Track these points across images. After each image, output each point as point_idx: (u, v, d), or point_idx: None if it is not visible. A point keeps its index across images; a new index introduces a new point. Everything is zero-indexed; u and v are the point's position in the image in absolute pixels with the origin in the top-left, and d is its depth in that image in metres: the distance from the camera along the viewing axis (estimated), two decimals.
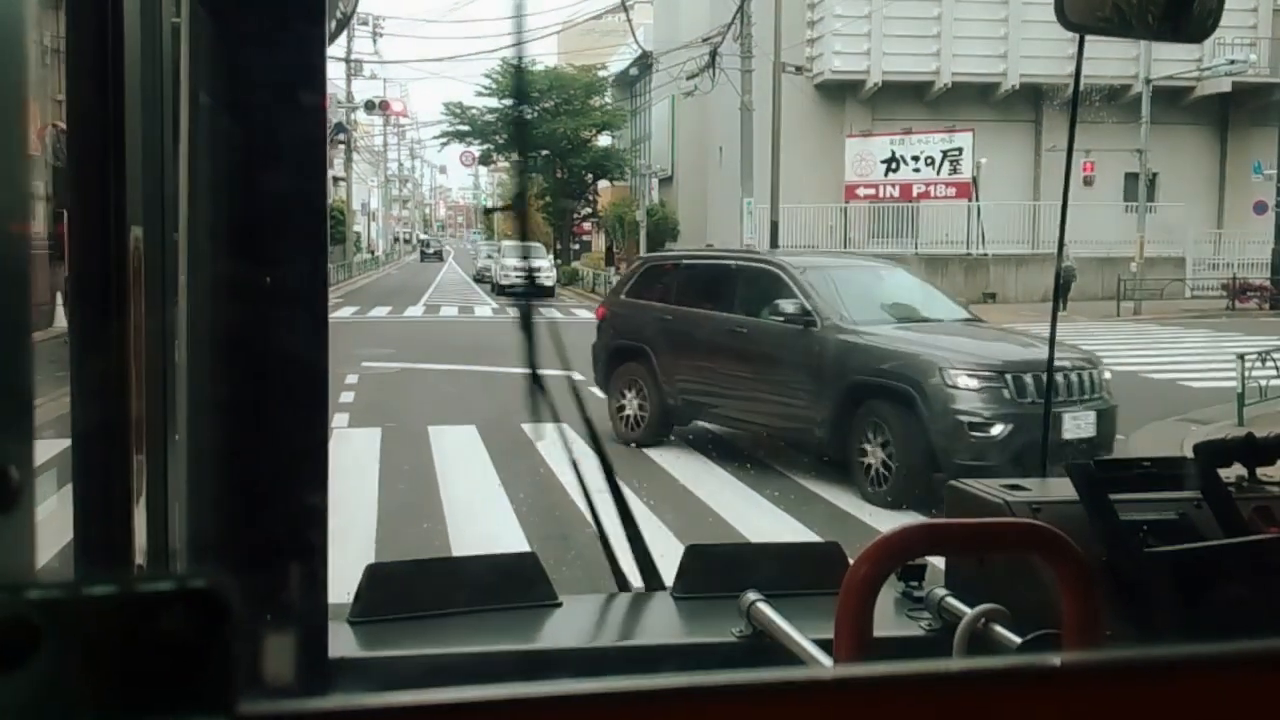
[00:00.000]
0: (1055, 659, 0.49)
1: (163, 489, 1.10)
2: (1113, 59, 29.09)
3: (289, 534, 1.35)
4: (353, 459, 10.06)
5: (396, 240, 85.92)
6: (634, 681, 0.45)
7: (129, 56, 0.96)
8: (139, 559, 0.98)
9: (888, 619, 1.80)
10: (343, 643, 1.64)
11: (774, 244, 29.97)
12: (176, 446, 1.13)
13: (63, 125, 1.02)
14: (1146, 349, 18.73)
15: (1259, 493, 1.93)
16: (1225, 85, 32.94)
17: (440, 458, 10.59)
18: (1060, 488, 1.82)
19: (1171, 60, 30.17)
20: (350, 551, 6.56)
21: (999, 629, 1.51)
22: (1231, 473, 1.96)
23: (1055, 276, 3.17)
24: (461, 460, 10.48)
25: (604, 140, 52.10)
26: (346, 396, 13.79)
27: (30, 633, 0.43)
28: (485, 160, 59.16)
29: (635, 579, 2.16)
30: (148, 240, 1.03)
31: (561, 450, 2.37)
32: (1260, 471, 1.98)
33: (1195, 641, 0.49)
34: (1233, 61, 29.79)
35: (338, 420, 12.03)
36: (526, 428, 12.11)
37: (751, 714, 0.46)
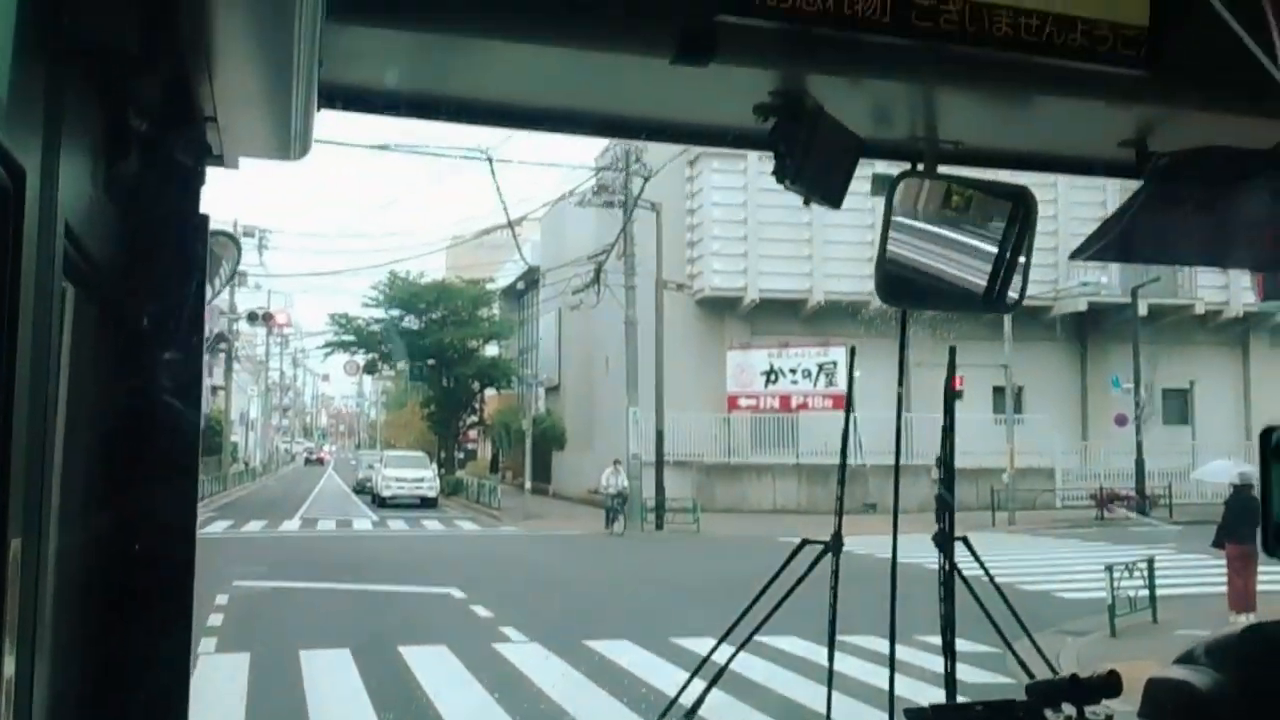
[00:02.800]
0: None
1: None
2: None
3: None
4: (219, 690, 9.49)
5: (277, 450, 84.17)
6: None
7: (20, 345, 0.98)
8: None
9: None
10: None
11: (659, 453, 30.23)
12: (41, 685, 1.14)
13: None
14: (1022, 559, 19.12)
15: None
16: (1081, 305, 35.10)
17: (312, 687, 10.06)
18: None
19: (1030, 281, 32.10)
20: None
21: None
22: (1063, 712, 2.08)
23: (894, 486, 3.37)
24: (335, 689, 9.98)
25: (491, 350, 52.65)
26: (215, 619, 13.15)
27: None
28: (370, 369, 59.07)
29: None
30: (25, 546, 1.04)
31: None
32: (1089, 709, 2.10)
33: None
34: (1085, 284, 31.88)
35: (205, 645, 11.42)
36: (404, 650, 11.68)
37: None
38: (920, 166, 2.13)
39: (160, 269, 1.47)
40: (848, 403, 2.99)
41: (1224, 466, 19.71)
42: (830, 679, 2.50)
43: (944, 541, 2.49)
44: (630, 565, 22.01)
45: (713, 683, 2.33)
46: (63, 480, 1.23)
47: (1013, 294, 2.16)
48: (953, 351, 2.97)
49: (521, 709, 9.15)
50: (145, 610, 1.38)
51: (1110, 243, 2.53)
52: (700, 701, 2.31)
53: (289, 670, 10.69)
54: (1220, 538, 13.88)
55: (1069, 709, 2.08)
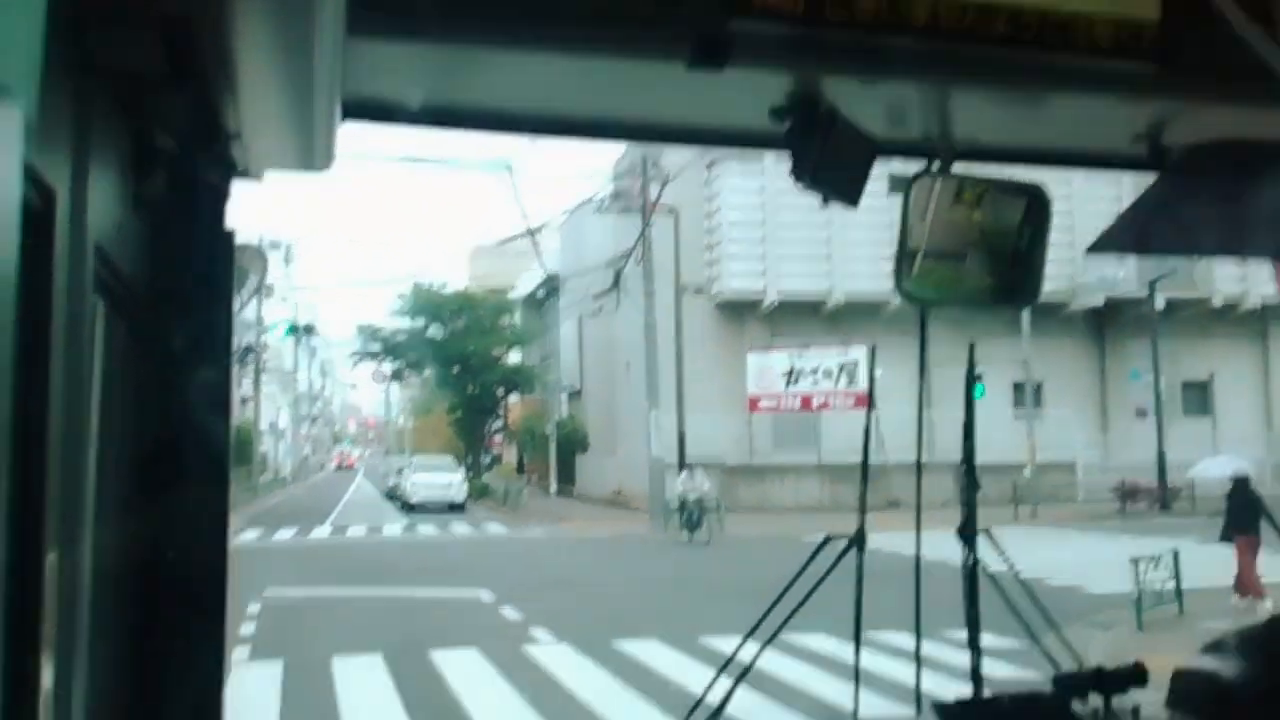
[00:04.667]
0: None
1: None
2: None
3: None
4: (253, 697, 9.79)
5: (306, 458, 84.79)
6: None
7: (54, 361, 1.01)
8: None
9: None
10: None
11: (682, 456, 30.44)
12: (77, 703, 1.17)
13: None
14: (1045, 554, 19.18)
15: None
16: (1099, 299, 35.06)
17: (345, 693, 10.34)
18: None
19: (1046, 276, 32.09)
20: None
21: None
22: (1090, 703, 2.10)
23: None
24: (367, 695, 10.25)
25: (514, 356, 53.01)
26: (247, 628, 13.44)
27: None
28: (397, 377, 59.53)
29: None
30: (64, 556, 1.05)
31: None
32: (1115, 700, 2.12)
33: None
34: (1102, 278, 31.87)
35: (238, 653, 11.71)
36: (434, 654, 11.94)
37: None
38: (936, 165, 2.14)
39: (189, 284, 1.50)
40: (869, 401, 2.88)
41: (1219, 463, 19.81)
42: (857, 674, 2.49)
43: (967, 536, 2.49)
44: (656, 567, 22.21)
45: (739, 680, 2.26)
46: (97, 493, 1.26)
47: (1030, 289, 2.18)
48: (972, 348, 2.86)
49: (551, 709, 9.39)
50: (180, 619, 1.41)
51: (1127, 236, 2.49)
52: (727, 699, 2.25)
53: (321, 676, 10.95)
54: (1227, 532, 14.55)
55: (1095, 700, 2.07)
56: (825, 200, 2.01)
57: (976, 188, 2.20)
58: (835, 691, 9.15)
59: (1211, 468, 20.36)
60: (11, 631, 0.89)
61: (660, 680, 10.49)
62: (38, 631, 0.97)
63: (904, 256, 2.19)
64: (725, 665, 2.36)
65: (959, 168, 2.19)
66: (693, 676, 10.12)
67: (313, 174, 1.85)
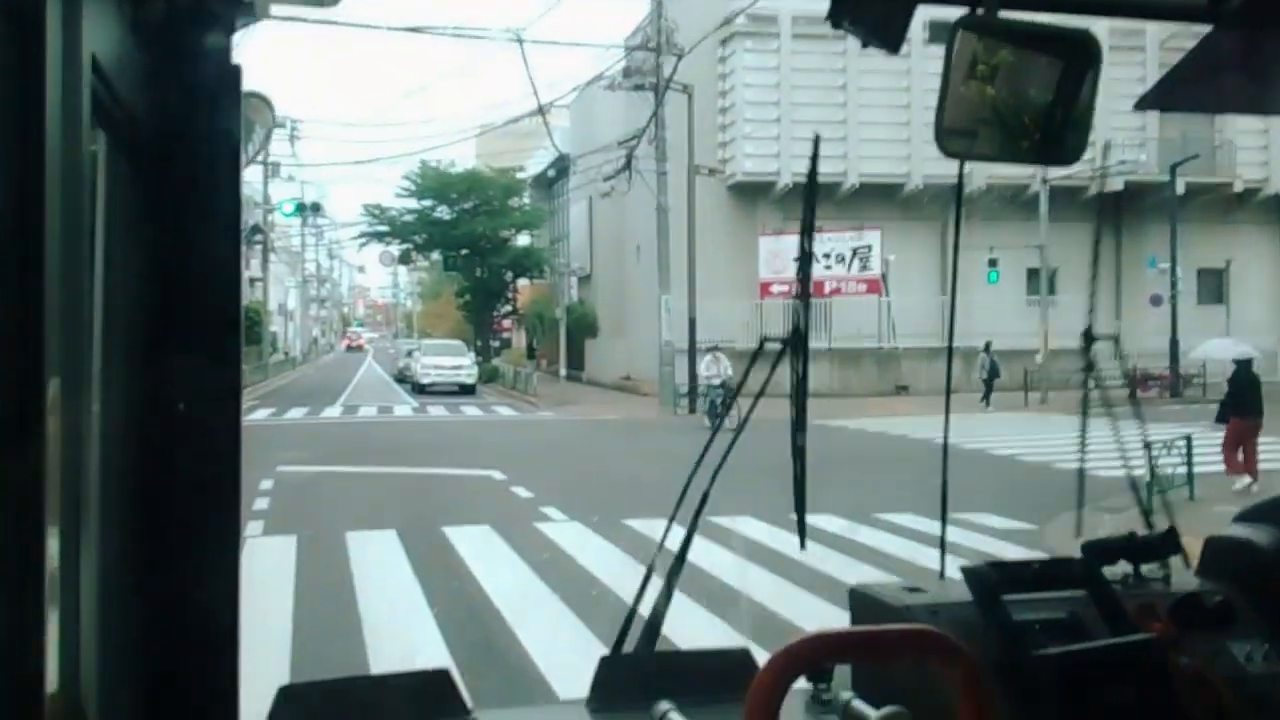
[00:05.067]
0: None
1: (74, 612, 1.09)
2: None
3: (199, 658, 1.34)
4: (267, 570, 9.87)
5: (315, 340, 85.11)
6: None
7: (50, 187, 0.93)
8: (50, 685, 0.94)
9: None
10: None
11: (692, 340, 30.41)
12: (86, 568, 1.13)
13: None
14: (1055, 438, 19.21)
15: (1143, 589, 2.02)
16: (1118, 184, 34.51)
17: (358, 566, 10.43)
18: (959, 589, 1.89)
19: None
20: (265, 669, 6.43)
21: None
22: (1119, 569, 2.06)
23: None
24: (380, 568, 10.35)
25: (523, 239, 52.66)
26: (261, 503, 13.56)
27: None
28: (404, 259, 59.35)
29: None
30: (65, 382, 0.99)
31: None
32: (1144, 567, 2.08)
33: None
34: (1124, 162, 31.29)
35: (252, 528, 11.81)
36: (447, 530, 12.04)
37: None
38: (980, 11, 2.00)
39: (195, 120, 1.38)
40: (809, 188, 2.62)
41: (1224, 345, 19.74)
42: (800, 498, 2.26)
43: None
44: (663, 448, 22.33)
45: (697, 515, 2.23)
46: (102, 345, 1.18)
47: (1074, 144, 2.05)
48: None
49: (562, 582, 9.46)
50: (192, 484, 1.35)
51: (1178, 91, 2.34)
52: (687, 544, 2.23)
53: (335, 551, 11.04)
54: (1224, 413, 14.63)
55: (1125, 567, 2.06)
56: (865, 44, 1.86)
57: (1021, 34, 2.03)
58: (841, 568, 9.18)
59: (1217, 349, 20.40)
60: (12, 494, 0.84)
61: (669, 555, 10.54)
62: (41, 493, 0.90)
63: (943, 107, 2.07)
64: (678, 507, 2.28)
65: (1005, 15, 1.98)
66: (700, 551, 10.13)
67: (320, 8, 1.73)
